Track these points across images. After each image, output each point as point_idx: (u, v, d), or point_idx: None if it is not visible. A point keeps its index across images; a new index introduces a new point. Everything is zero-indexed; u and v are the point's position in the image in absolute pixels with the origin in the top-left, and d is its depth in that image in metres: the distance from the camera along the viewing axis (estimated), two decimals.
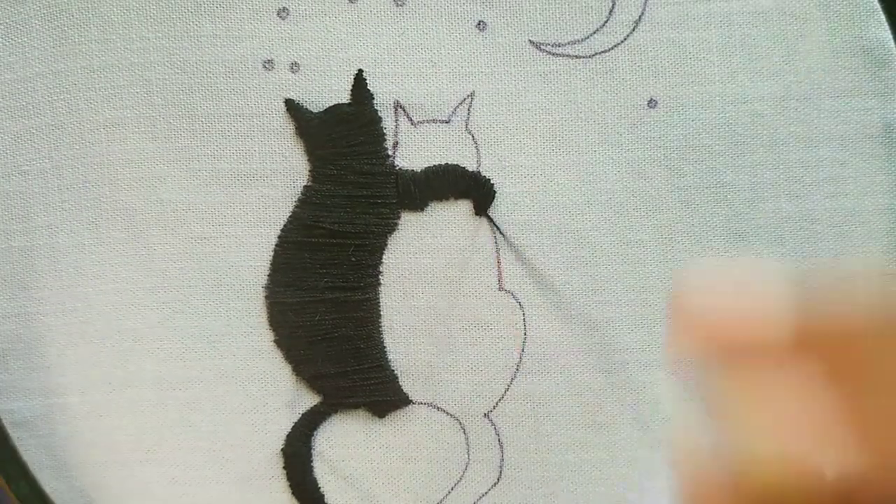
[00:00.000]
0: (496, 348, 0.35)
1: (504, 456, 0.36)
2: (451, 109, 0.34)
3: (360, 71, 0.34)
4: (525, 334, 0.35)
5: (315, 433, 0.36)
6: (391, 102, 0.34)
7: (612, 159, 0.35)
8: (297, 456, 0.36)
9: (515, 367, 0.36)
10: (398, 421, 0.36)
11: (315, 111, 0.34)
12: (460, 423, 0.36)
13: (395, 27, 0.34)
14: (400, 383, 0.36)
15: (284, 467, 0.36)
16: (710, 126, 0.34)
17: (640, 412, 0.36)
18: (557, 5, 0.34)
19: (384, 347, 0.35)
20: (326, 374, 0.36)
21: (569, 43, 0.34)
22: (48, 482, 0.36)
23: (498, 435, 0.36)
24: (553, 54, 0.34)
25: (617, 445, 0.36)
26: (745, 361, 0.20)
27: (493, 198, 0.35)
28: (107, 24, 0.34)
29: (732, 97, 0.34)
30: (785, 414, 0.19)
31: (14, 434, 0.35)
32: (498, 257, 0.35)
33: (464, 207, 0.35)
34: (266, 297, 0.35)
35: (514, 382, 0.36)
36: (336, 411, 0.36)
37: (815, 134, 0.34)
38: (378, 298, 0.35)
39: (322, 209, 0.35)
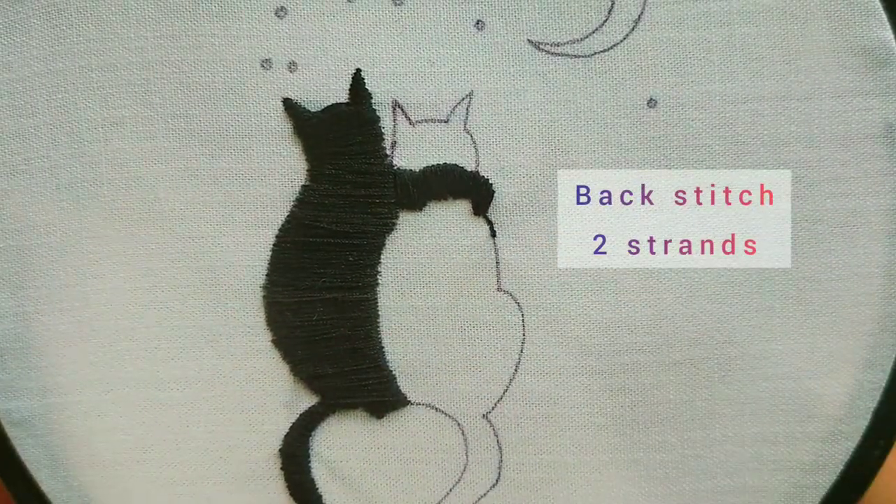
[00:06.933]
0: (495, 349, 0.35)
1: (503, 457, 0.36)
2: (450, 109, 0.34)
3: (359, 70, 0.34)
4: (524, 335, 0.35)
5: (313, 434, 0.36)
6: (389, 102, 0.34)
7: (612, 159, 0.34)
8: (294, 456, 0.36)
9: (514, 367, 0.35)
10: (396, 421, 0.36)
11: (313, 111, 0.34)
12: (459, 424, 0.36)
13: (393, 26, 0.34)
14: (398, 384, 0.36)
15: (282, 468, 0.36)
16: (711, 126, 0.34)
17: (640, 413, 0.36)
18: (556, 4, 0.34)
19: (382, 347, 0.35)
20: (324, 374, 0.35)
21: (568, 42, 0.34)
22: (46, 482, 0.36)
23: (497, 436, 0.36)
24: (552, 54, 0.34)
25: (616, 447, 0.36)
26: None
27: (492, 198, 0.35)
28: (105, 23, 0.34)
29: (733, 97, 0.34)
30: None
31: (11, 433, 0.35)
32: (497, 257, 0.35)
33: (462, 207, 0.35)
34: (264, 297, 0.35)
35: (512, 383, 0.35)
36: (334, 412, 0.36)
37: (816, 134, 0.34)
38: (376, 298, 0.35)
39: (320, 209, 0.34)
